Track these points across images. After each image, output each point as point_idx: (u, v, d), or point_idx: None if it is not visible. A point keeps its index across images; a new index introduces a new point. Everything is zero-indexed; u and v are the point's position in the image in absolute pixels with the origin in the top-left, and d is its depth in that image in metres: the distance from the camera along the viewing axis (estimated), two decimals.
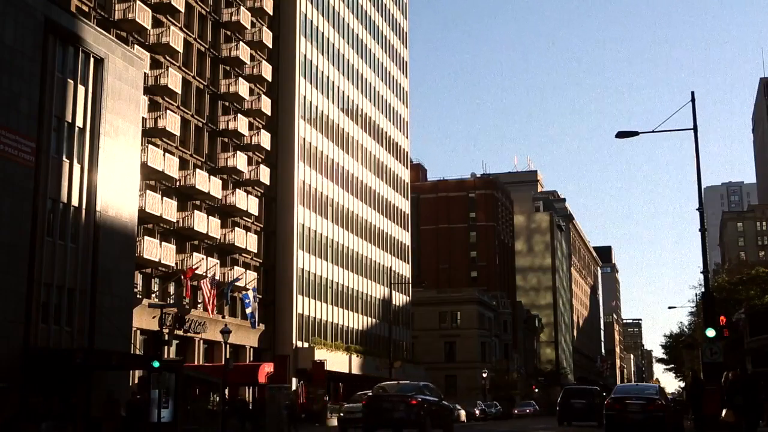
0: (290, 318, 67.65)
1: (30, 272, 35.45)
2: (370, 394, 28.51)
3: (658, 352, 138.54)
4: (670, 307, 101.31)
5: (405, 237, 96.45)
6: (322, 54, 76.68)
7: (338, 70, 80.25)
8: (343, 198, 78.84)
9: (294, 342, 67.41)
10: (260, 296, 64.77)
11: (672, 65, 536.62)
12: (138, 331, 47.75)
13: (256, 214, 64.99)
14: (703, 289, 31.21)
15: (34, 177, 36.09)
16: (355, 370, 75.25)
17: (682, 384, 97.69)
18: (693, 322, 79.79)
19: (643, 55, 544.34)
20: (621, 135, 29.17)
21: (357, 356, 76.13)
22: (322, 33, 77.18)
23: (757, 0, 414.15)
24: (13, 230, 34.99)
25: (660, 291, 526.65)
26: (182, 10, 56.76)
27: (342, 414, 42.73)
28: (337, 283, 76.82)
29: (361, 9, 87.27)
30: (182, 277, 51.89)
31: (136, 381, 44.13)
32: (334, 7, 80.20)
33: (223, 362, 44.16)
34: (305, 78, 72.50)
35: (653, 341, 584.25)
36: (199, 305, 55.61)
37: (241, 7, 64.70)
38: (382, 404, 26.74)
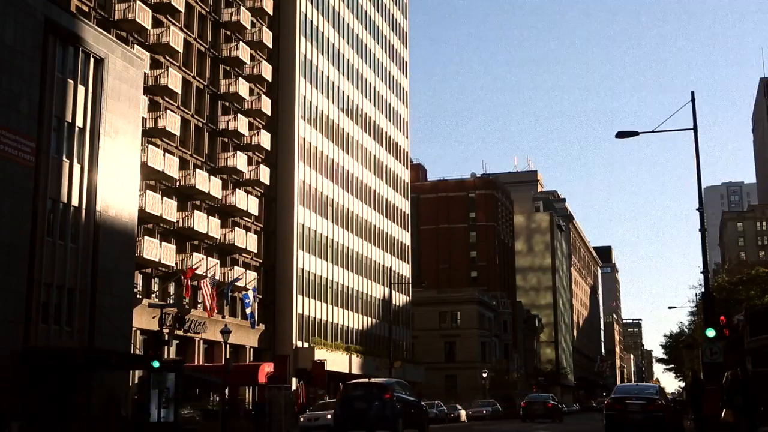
0: (290, 318, 67.66)
1: (30, 272, 35.46)
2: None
3: (658, 352, 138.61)
4: (670, 307, 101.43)
5: (405, 237, 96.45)
6: (322, 54, 76.69)
7: (338, 70, 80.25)
8: (343, 198, 78.85)
9: (294, 342, 67.42)
10: (260, 296, 64.77)
11: (672, 65, 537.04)
12: (138, 331, 47.75)
13: (256, 214, 64.99)
14: (703, 289, 31.22)
15: (34, 177, 36.11)
16: (355, 370, 75.22)
17: (682, 384, 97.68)
18: (693, 322, 79.78)
19: (643, 55, 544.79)
20: (621, 135, 29.19)
21: (357, 356, 76.12)
22: (322, 33, 77.19)
23: (757, 0, 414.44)
24: (13, 230, 35.00)
25: (660, 291, 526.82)
26: (182, 10, 56.76)
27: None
28: (337, 283, 76.82)
29: (361, 9, 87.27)
30: (182, 277, 51.89)
31: (136, 381, 44.15)
32: (334, 7, 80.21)
33: (223, 362, 44.17)
34: (305, 78, 72.50)
35: (653, 341, 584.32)
36: (199, 305, 55.61)
37: (241, 7, 64.71)
38: (533, 406, 51.85)
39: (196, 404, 44.71)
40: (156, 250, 50.09)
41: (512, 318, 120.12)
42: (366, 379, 31.34)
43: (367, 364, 77.49)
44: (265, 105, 66.62)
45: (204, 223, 56.24)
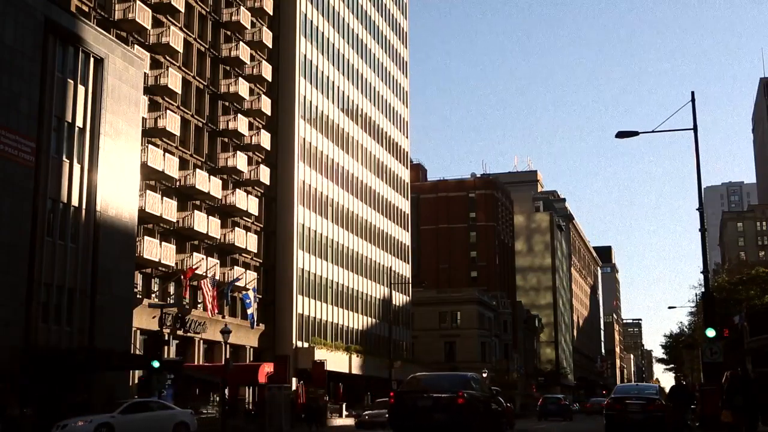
0: (290, 318, 67.66)
1: (30, 272, 35.49)
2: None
3: (658, 352, 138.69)
4: (670, 307, 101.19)
5: (405, 237, 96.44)
6: (322, 54, 76.68)
7: (338, 70, 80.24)
8: (343, 198, 78.84)
9: (294, 342, 67.42)
10: (260, 296, 64.77)
11: (672, 65, 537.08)
12: (138, 331, 47.75)
13: (256, 214, 64.98)
14: (703, 289, 31.24)
15: (34, 177, 36.16)
16: (355, 370, 75.25)
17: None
18: (693, 322, 79.88)
19: (644, 55, 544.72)
20: (621, 135, 29.22)
21: (357, 356, 76.13)
22: (322, 33, 77.18)
23: (757, 0, 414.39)
24: (13, 230, 35.04)
25: (660, 291, 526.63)
26: (182, 10, 56.75)
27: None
28: (337, 283, 76.81)
29: (361, 9, 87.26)
30: (182, 277, 51.90)
31: (136, 381, 44.17)
32: (334, 7, 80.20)
33: (223, 362, 44.19)
34: (305, 78, 72.49)
35: (653, 341, 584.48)
36: (199, 305, 55.61)
37: (241, 7, 64.70)
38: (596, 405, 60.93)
39: (197, 404, 44.72)
40: (156, 250, 50.09)
41: (512, 318, 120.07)
42: (554, 395, 69.83)
43: (367, 364, 77.49)
44: (265, 105, 66.61)
45: (204, 223, 56.23)
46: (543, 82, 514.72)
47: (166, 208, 51.72)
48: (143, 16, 51.57)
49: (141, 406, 30.86)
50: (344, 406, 64.64)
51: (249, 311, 59.90)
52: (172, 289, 54.44)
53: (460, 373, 28.35)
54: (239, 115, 62.97)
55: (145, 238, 49.56)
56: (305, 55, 72.90)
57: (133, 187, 43.38)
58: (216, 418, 42.69)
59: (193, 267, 52.98)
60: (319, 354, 66.72)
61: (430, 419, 20.06)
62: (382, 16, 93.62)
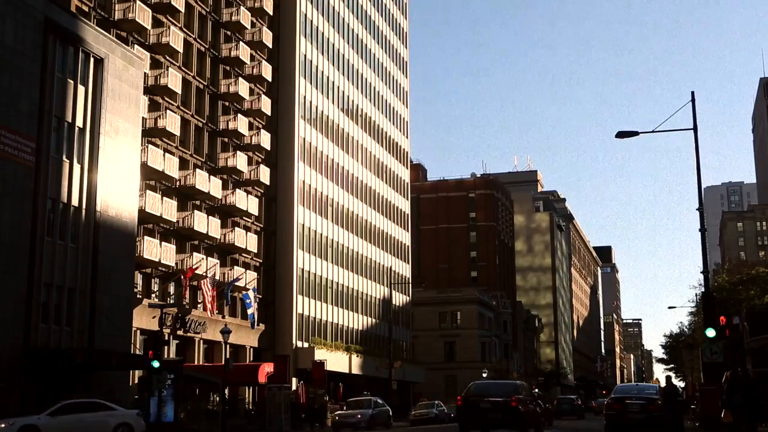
0: (290, 318, 67.63)
1: (30, 272, 35.50)
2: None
3: (658, 352, 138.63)
4: (670, 307, 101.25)
5: (405, 237, 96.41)
6: (322, 54, 76.66)
7: (338, 70, 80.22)
8: (343, 198, 78.83)
9: (294, 342, 67.40)
10: (260, 296, 64.75)
11: (672, 65, 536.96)
12: (138, 331, 47.75)
13: (256, 214, 64.97)
14: (703, 289, 31.23)
15: (34, 177, 36.17)
16: (355, 370, 75.22)
17: (683, 384, 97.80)
18: (693, 322, 79.86)
19: (644, 55, 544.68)
20: (621, 135, 29.23)
21: (357, 356, 76.12)
22: (322, 33, 77.16)
23: (757, 1, 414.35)
24: (13, 230, 35.05)
25: (660, 291, 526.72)
26: (182, 10, 56.72)
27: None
28: (337, 283, 76.79)
29: (361, 9, 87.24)
30: (182, 277, 51.88)
31: (136, 381, 44.17)
32: (334, 7, 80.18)
33: (223, 362, 44.21)
34: (305, 78, 72.47)
35: (653, 341, 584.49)
36: (199, 305, 55.59)
37: (241, 7, 64.69)
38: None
39: (196, 404, 44.71)
40: (156, 250, 50.07)
41: (512, 318, 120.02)
42: (568, 396, 76.01)
43: (367, 364, 77.47)
44: (265, 105, 66.58)
45: (204, 223, 56.21)
46: (543, 82, 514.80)
47: (166, 208, 51.70)
48: (143, 16, 51.55)
49: (77, 406, 29.70)
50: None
51: (249, 311, 59.87)
52: (172, 289, 54.42)
53: (510, 381, 41.98)
54: (239, 115, 62.95)
55: (145, 238, 49.54)
56: (305, 55, 72.88)
57: (133, 187, 43.37)
58: (185, 419, 42.43)
59: (193, 267, 52.95)
60: (319, 354, 66.69)
61: (489, 418, 26.17)
62: (382, 16, 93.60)
